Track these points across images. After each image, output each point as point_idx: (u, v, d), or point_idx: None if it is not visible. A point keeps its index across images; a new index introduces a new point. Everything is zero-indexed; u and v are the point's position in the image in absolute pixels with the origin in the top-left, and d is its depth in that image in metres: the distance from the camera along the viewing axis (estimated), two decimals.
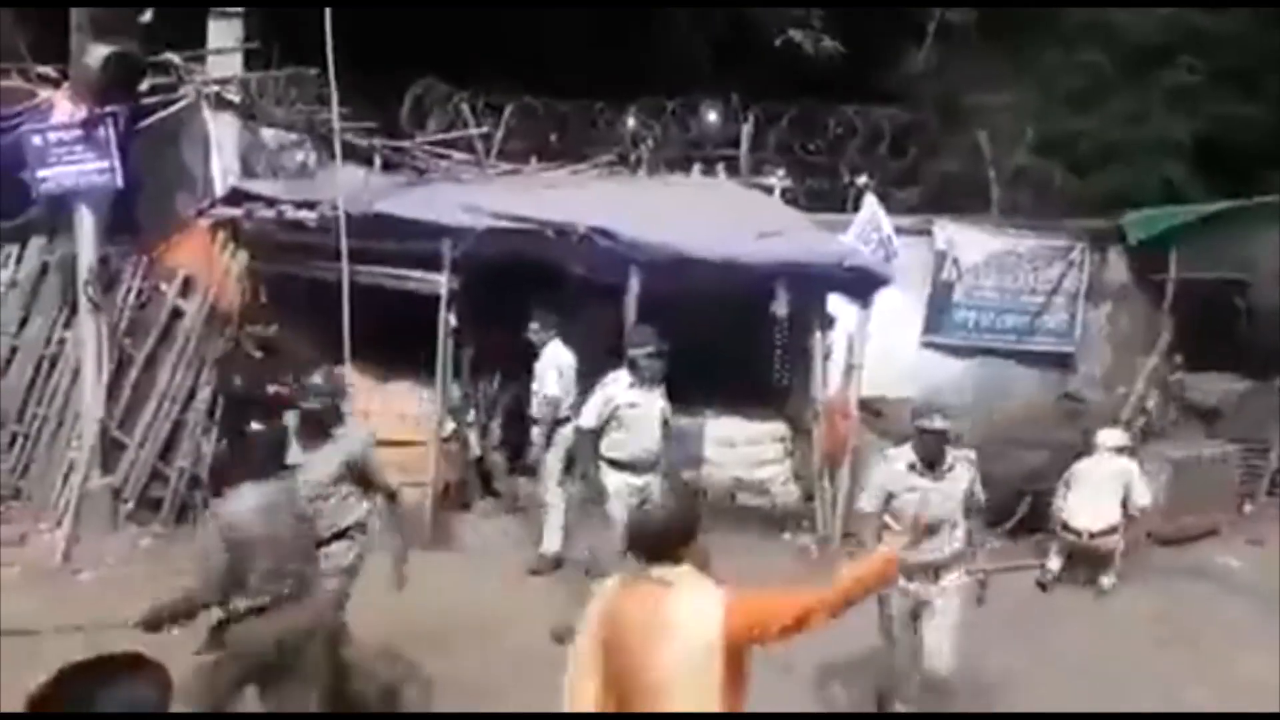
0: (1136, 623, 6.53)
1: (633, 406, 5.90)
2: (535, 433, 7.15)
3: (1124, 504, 7.02)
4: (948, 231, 9.84)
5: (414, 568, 6.58)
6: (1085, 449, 7.37)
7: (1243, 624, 6.49)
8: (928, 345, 9.79)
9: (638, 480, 5.76)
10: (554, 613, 5.86)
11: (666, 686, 2.79)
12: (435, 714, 4.75)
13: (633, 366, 5.99)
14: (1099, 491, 7.05)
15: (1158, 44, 11.61)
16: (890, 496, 4.83)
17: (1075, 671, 5.71)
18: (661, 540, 2.93)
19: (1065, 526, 7.10)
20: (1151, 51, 11.63)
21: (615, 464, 5.92)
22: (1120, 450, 7.26)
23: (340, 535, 4.78)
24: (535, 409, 7.12)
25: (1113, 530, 6.99)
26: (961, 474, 4.85)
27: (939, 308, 9.82)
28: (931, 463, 4.78)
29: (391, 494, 4.98)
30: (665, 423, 6.11)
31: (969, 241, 9.85)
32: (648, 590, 2.90)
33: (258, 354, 6.39)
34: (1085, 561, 7.14)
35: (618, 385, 5.98)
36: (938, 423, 4.71)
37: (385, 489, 4.94)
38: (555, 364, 7.06)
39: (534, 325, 7.20)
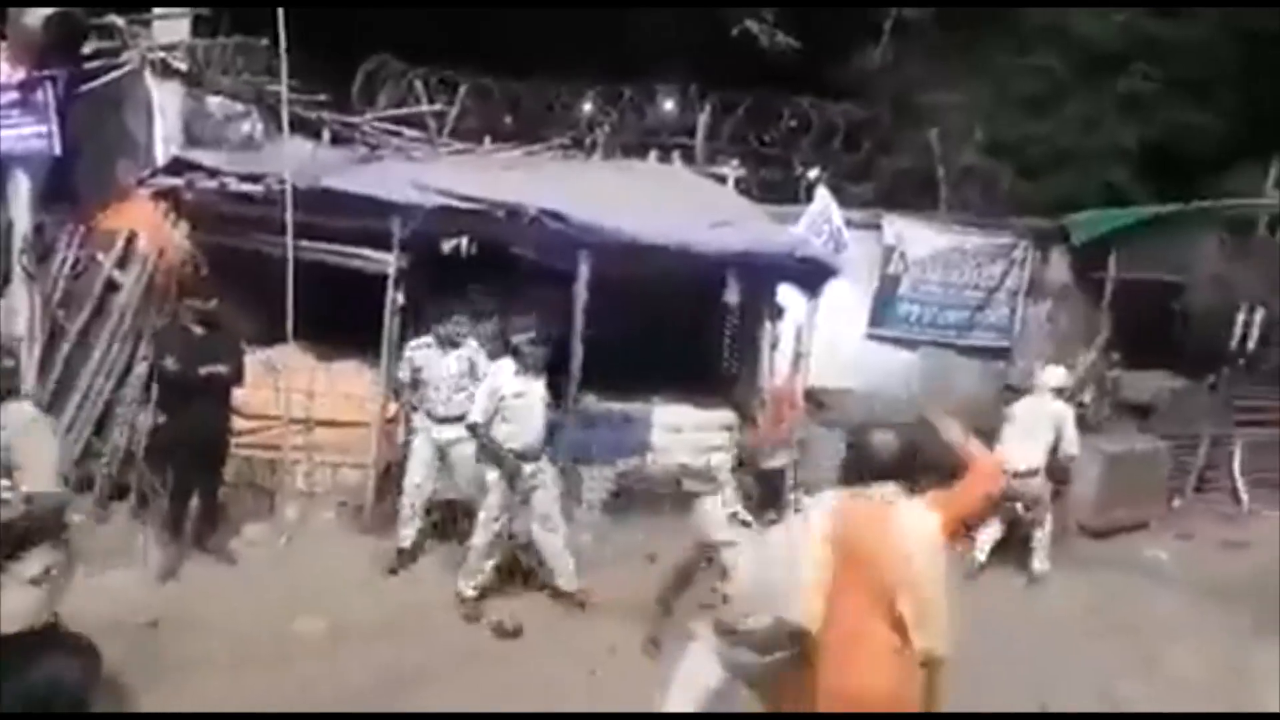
0: (1067, 614, 6.67)
1: (519, 396, 5.85)
2: None
3: (1055, 451, 7.12)
4: (896, 226, 9.98)
5: (353, 553, 6.68)
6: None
7: (1172, 616, 6.68)
8: (873, 337, 9.92)
9: (527, 468, 5.85)
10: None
11: (905, 586, 3.21)
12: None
13: (516, 354, 5.96)
14: (1030, 432, 7.10)
15: (1113, 51, 11.87)
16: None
17: (1005, 663, 5.81)
18: (890, 463, 3.41)
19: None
20: (1107, 58, 11.88)
21: (505, 451, 5.84)
22: (1059, 392, 7.33)
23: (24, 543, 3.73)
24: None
25: (1035, 473, 7.05)
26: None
27: (885, 301, 9.96)
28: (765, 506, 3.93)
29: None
30: (547, 408, 6.07)
31: (916, 237, 10.01)
32: (874, 505, 3.36)
33: (197, 330, 6.22)
34: (1014, 540, 7.22)
35: (503, 375, 5.92)
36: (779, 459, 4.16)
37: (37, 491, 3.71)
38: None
39: (456, 318, 6.70)
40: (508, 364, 5.95)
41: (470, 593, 6.00)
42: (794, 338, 7.97)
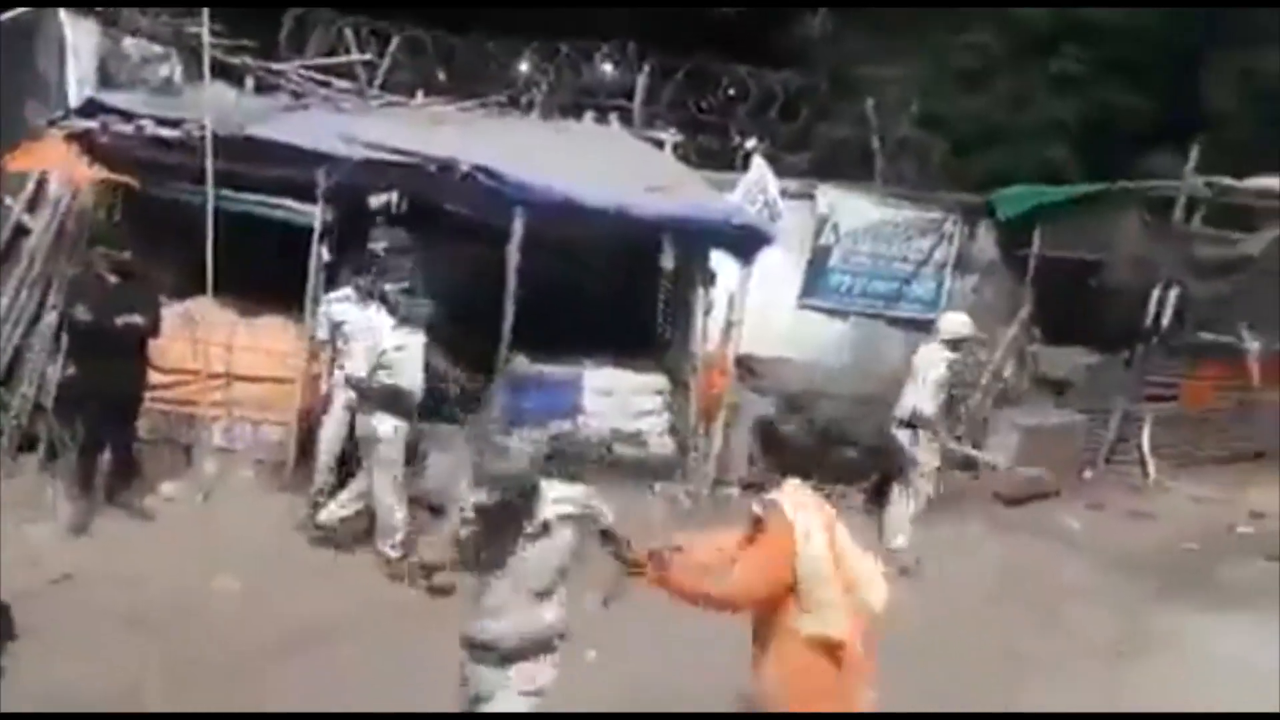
0: (980, 577, 6.88)
1: (399, 349, 5.81)
2: None
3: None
4: (830, 197, 10.04)
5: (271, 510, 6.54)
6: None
7: (1080, 580, 6.94)
8: (804, 307, 10.00)
9: (406, 424, 5.83)
10: None
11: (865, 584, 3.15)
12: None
13: (385, 302, 5.91)
14: (916, 379, 6.96)
15: (1046, 31, 12.08)
16: None
17: (920, 624, 5.97)
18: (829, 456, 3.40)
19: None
20: (1039, 38, 12.09)
21: (389, 410, 5.81)
22: (955, 344, 7.03)
23: None
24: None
25: (910, 424, 6.80)
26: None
27: (817, 271, 10.04)
28: None
29: None
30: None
31: (849, 208, 10.08)
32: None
33: (111, 279, 5.99)
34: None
35: (382, 327, 5.88)
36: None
37: None
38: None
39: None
40: (385, 316, 5.88)
41: (391, 552, 5.93)
42: (726, 305, 7.98)
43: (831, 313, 10.09)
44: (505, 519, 3.22)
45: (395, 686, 4.67)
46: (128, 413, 6.26)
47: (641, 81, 10.75)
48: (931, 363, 6.92)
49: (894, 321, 10.19)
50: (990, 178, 10.94)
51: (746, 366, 8.32)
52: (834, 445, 8.10)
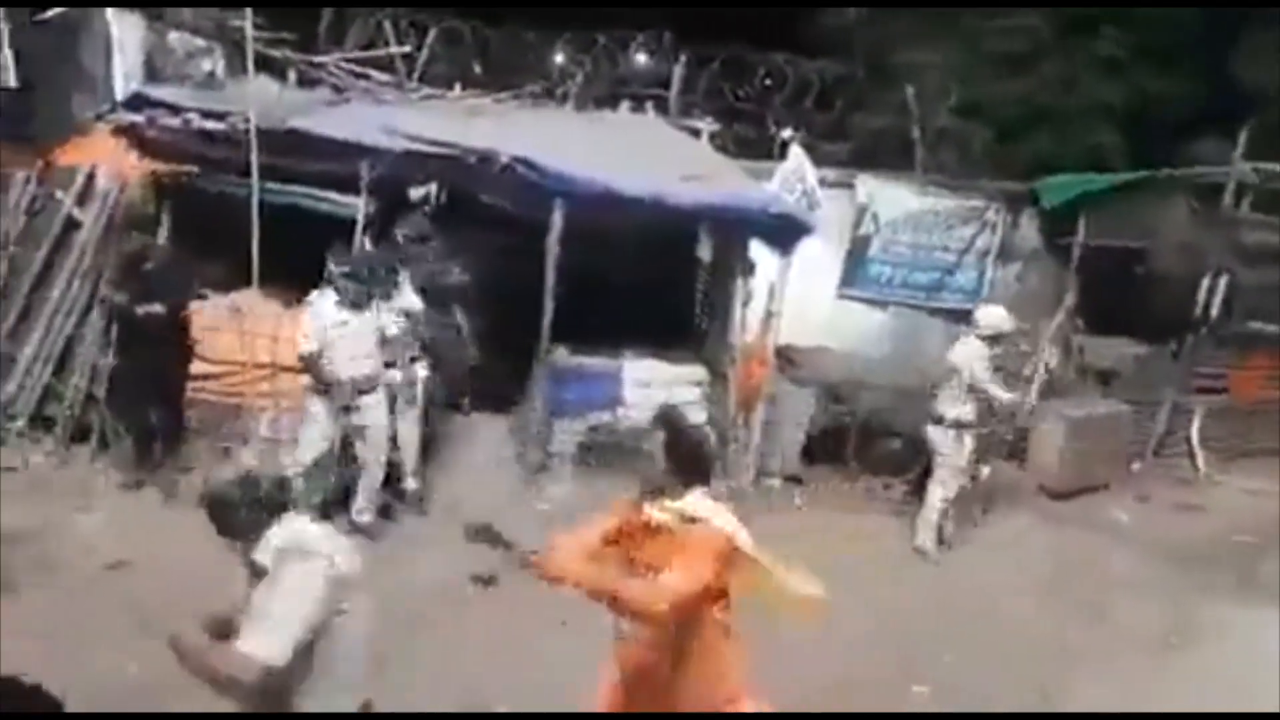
0: (1028, 570, 6.79)
1: (341, 324, 5.88)
2: None
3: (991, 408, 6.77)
4: (869, 186, 9.94)
5: None
6: None
7: (1128, 573, 6.82)
8: (844, 297, 9.92)
9: (360, 400, 5.93)
10: None
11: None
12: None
13: (330, 284, 5.96)
14: (947, 379, 6.75)
15: (1087, 14, 11.85)
16: None
17: (968, 618, 5.93)
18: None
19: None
20: (1081, 20, 11.87)
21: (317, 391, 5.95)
22: (994, 339, 6.75)
23: None
24: None
25: (940, 421, 6.68)
26: None
27: (856, 261, 9.94)
28: None
29: None
30: (386, 341, 6.11)
31: (889, 197, 9.97)
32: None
33: (144, 266, 6.13)
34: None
35: (324, 305, 5.95)
36: None
37: None
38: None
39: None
40: (329, 294, 5.95)
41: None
42: (766, 295, 7.93)
43: (871, 303, 9.99)
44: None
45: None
46: (167, 399, 6.36)
47: (678, 71, 10.70)
48: (969, 358, 6.68)
49: (935, 312, 10.06)
50: (1033, 165, 10.76)
51: (786, 357, 8.26)
52: (875, 437, 8.12)
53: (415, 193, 8.24)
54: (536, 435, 7.60)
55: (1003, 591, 6.37)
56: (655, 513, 3.07)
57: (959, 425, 6.68)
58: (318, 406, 6.08)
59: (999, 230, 10.16)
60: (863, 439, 7.95)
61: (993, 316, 6.86)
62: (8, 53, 6.40)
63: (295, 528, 2.97)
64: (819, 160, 9.59)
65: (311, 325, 5.89)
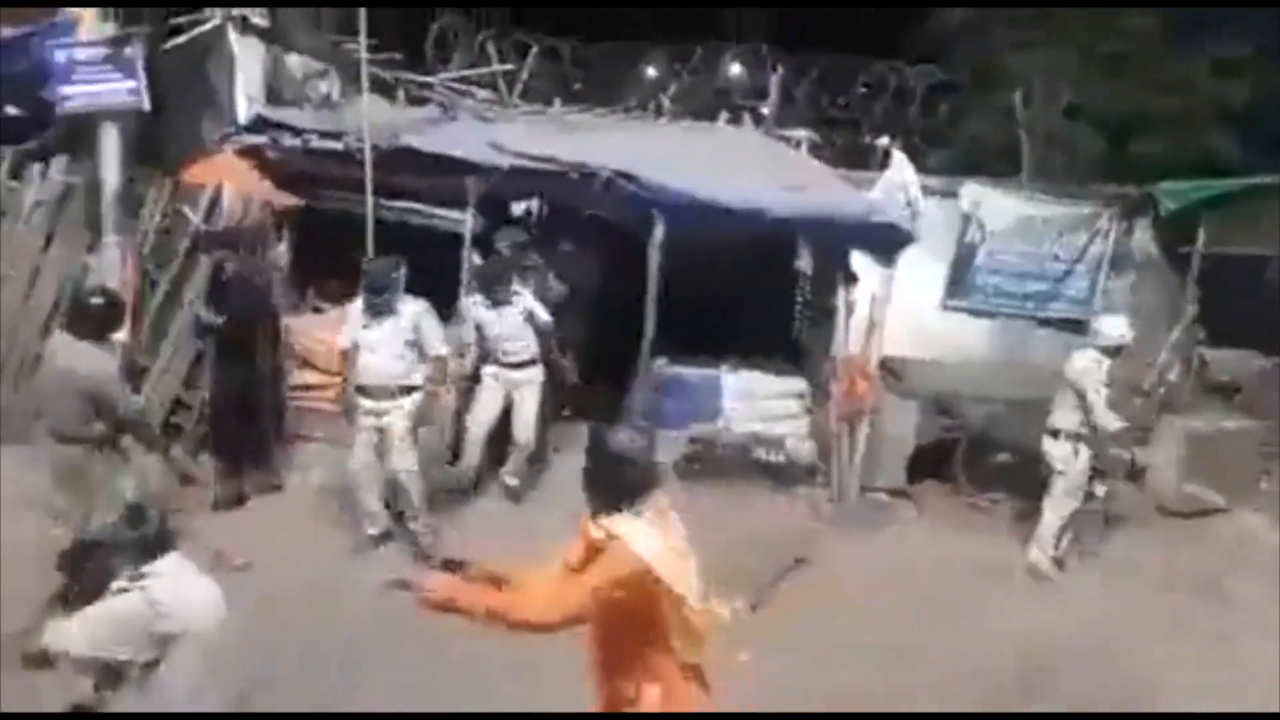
0: (1140, 593, 6.50)
1: (366, 328, 5.99)
2: None
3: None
4: (974, 194, 9.71)
5: None
6: None
7: (1252, 598, 6.48)
8: (949, 308, 9.70)
9: (374, 405, 5.98)
10: None
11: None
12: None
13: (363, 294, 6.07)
14: (1063, 391, 6.48)
15: (1201, 12, 11.34)
16: None
17: (1084, 642, 5.72)
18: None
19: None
20: (1196, 19, 11.37)
21: (358, 388, 6.04)
22: (1113, 351, 6.44)
23: None
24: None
25: (1055, 435, 6.46)
26: None
27: (962, 270, 9.72)
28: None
29: None
30: (422, 352, 6.07)
31: (995, 205, 9.73)
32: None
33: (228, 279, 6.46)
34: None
35: (352, 312, 6.11)
36: None
37: None
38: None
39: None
40: (359, 302, 6.08)
41: (372, 531, 6.18)
42: (868, 306, 7.81)
43: (978, 314, 9.74)
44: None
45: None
46: (252, 410, 6.66)
47: (776, 81, 10.67)
48: (1085, 371, 6.40)
49: (1045, 322, 9.77)
50: (1146, 170, 10.34)
51: (890, 370, 8.11)
52: (984, 451, 7.90)
53: (517, 207, 8.42)
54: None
55: (1120, 616, 6.12)
56: (593, 530, 2.98)
57: (1076, 438, 6.44)
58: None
59: (1112, 237, 9.81)
60: (971, 453, 7.75)
61: (1114, 327, 6.58)
62: (142, 77, 6.72)
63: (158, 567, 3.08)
64: (922, 167, 9.41)
65: (346, 328, 6.14)
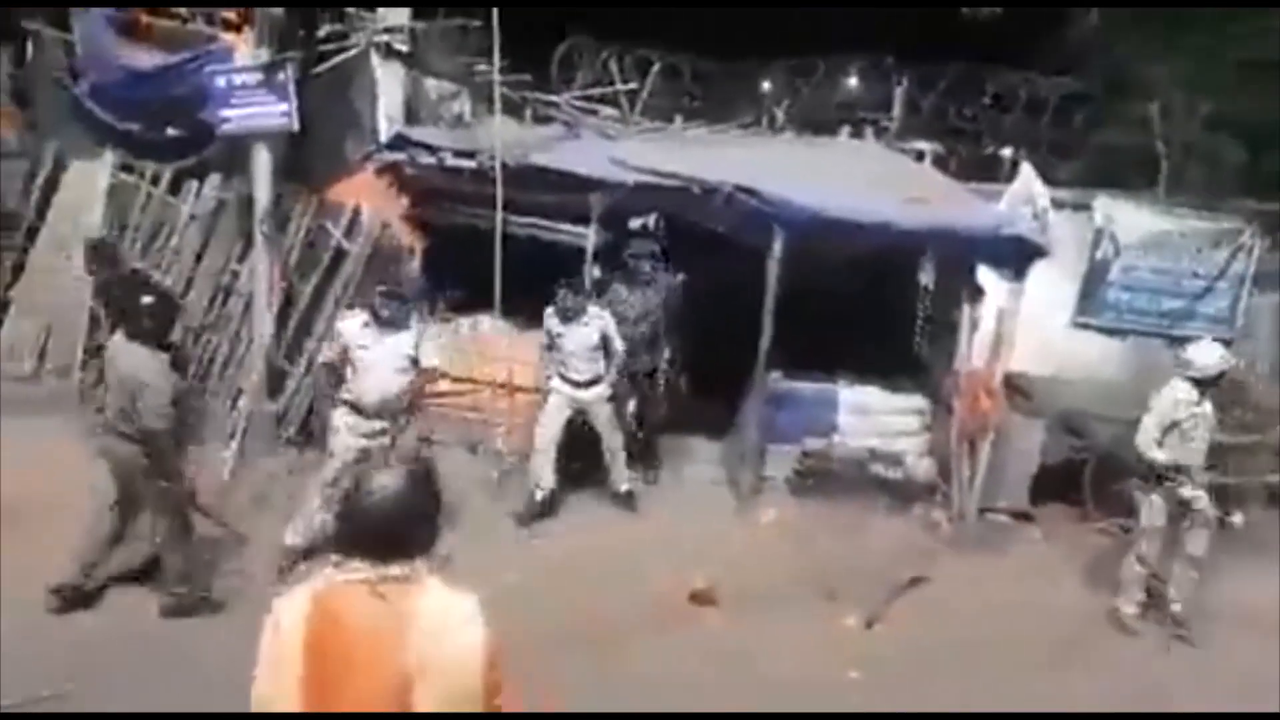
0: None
1: (362, 348, 5.82)
2: None
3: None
4: (1107, 207, 9.38)
5: None
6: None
7: None
8: (1079, 325, 9.39)
9: (365, 424, 5.83)
10: None
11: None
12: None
13: (369, 307, 5.95)
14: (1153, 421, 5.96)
15: None
16: None
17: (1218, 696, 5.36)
18: (402, 532, 2.27)
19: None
20: None
21: (345, 404, 5.90)
22: (1204, 383, 5.87)
23: None
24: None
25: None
26: None
27: (1093, 286, 9.40)
28: None
29: None
30: (414, 367, 5.93)
31: (1130, 219, 9.38)
32: (384, 595, 2.23)
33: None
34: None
35: (351, 324, 5.93)
36: None
37: None
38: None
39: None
40: (359, 315, 5.99)
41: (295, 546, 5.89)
42: (994, 322, 7.65)
43: (1110, 331, 9.40)
44: None
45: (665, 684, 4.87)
46: None
47: (900, 93, 10.55)
48: (1174, 403, 5.89)
49: (1180, 341, 9.33)
50: None
51: (1015, 387, 7.91)
52: (1113, 473, 7.52)
53: (635, 222, 8.58)
54: (750, 459, 7.68)
55: (1258, 672, 5.53)
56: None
57: (1160, 478, 5.96)
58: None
59: (1255, 254, 9.34)
60: (1099, 475, 7.48)
61: (1206, 354, 5.96)
62: (293, 100, 7.16)
63: None
64: (1051, 180, 9.15)
65: (332, 341, 6.12)
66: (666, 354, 7.79)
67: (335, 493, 5.96)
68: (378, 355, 5.79)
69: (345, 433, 5.85)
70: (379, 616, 2.21)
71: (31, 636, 4.80)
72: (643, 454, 7.66)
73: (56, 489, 5.86)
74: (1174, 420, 5.90)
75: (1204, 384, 5.93)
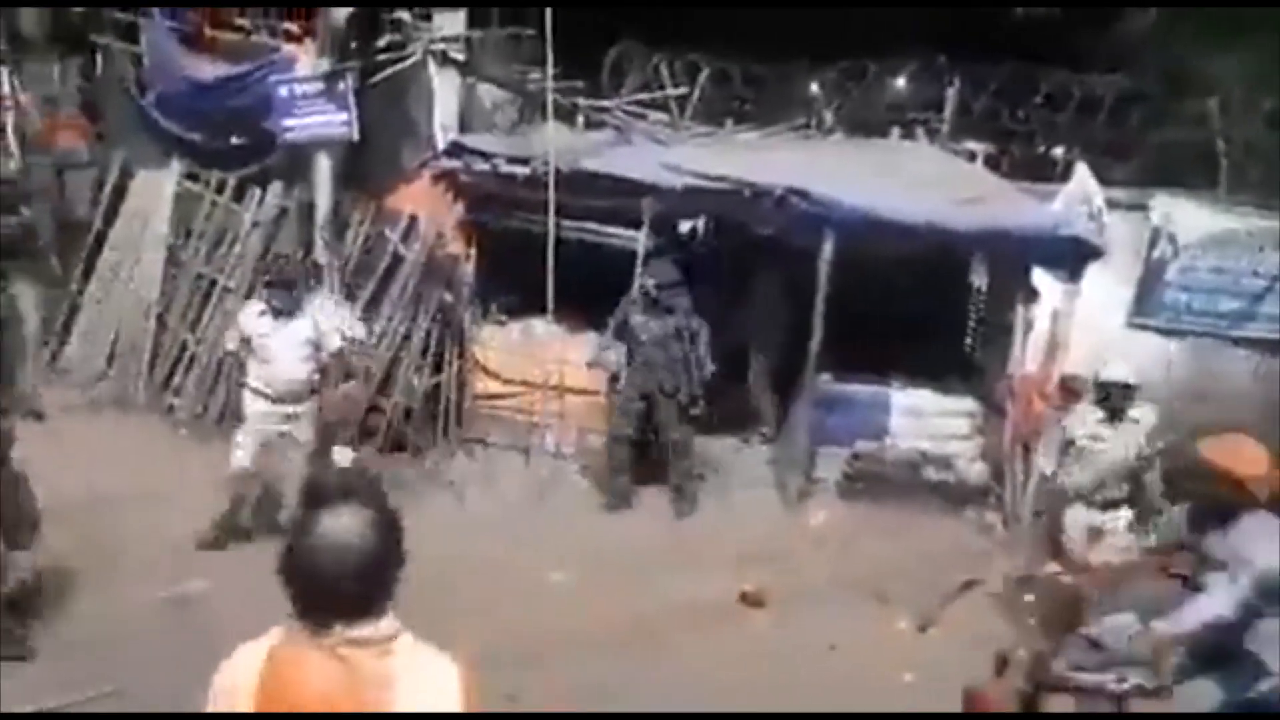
0: None
1: (262, 336, 5.95)
2: None
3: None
4: (1165, 206, 9.23)
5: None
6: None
7: None
8: (1135, 325, 9.24)
9: (276, 409, 5.98)
10: None
11: None
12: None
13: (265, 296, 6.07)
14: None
15: None
16: None
17: None
18: (360, 589, 1.84)
19: None
20: None
21: (255, 392, 6.05)
22: (1120, 391, 5.97)
23: None
24: None
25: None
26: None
27: (1150, 286, 9.24)
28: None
29: None
30: (318, 349, 6.04)
31: (1188, 219, 9.22)
32: (347, 661, 1.82)
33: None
34: None
35: (248, 314, 6.08)
36: None
37: None
38: None
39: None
40: (254, 305, 6.13)
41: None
42: (1049, 323, 7.58)
43: (1167, 332, 9.24)
44: None
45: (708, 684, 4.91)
46: None
47: (951, 94, 10.46)
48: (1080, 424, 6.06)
49: (1239, 342, 9.18)
50: None
51: (1070, 389, 7.82)
52: (1172, 480, 7.39)
53: (684, 226, 8.63)
54: (800, 462, 7.69)
55: None
56: None
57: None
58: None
59: None
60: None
61: (1116, 373, 6.11)
62: (353, 109, 7.34)
63: None
64: (1106, 179, 9.04)
65: (232, 332, 6.28)
66: (700, 375, 7.41)
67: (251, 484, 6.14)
68: (278, 343, 5.96)
69: (255, 419, 6.05)
70: (342, 684, 1.81)
71: None
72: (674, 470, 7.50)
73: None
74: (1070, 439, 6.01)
75: (1108, 401, 6.03)
